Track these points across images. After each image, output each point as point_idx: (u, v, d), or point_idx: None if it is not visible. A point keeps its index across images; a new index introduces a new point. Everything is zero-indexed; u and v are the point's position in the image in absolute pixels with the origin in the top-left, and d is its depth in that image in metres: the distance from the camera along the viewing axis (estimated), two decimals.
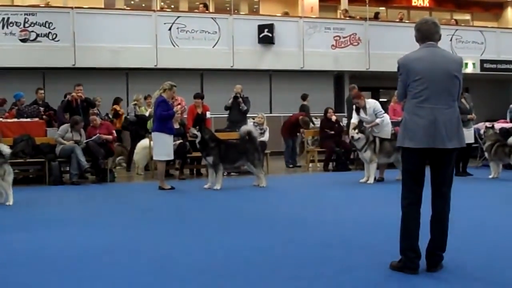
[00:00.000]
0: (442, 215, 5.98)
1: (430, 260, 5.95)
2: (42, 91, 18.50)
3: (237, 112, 17.66)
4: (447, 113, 5.93)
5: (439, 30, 6.24)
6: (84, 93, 16.33)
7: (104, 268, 6.36)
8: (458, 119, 6.03)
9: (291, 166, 18.68)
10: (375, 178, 14.18)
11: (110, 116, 19.20)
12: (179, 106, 16.91)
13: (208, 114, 17.11)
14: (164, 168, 13.89)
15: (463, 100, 15.35)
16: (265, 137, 17.04)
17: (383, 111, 14.84)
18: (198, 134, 13.70)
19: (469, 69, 26.22)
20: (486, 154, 15.48)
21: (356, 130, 14.57)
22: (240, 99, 17.71)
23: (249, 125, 14.72)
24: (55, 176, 14.90)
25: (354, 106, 14.96)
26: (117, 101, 19.53)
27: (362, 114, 14.62)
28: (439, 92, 5.94)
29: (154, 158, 13.95)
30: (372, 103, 14.76)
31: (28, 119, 16.58)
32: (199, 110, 16.81)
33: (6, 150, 11.53)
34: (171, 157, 13.98)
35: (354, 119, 14.76)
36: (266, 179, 13.91)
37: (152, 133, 13.78)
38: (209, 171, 13.79)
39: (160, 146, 13.40)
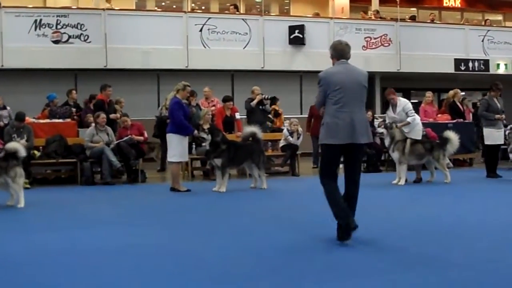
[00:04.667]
0: (354, 197, 7.59)
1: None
2: (75, 92, 18.66)
3: (259, 113, 17.59)
4: (360, 115, 7.50)
5: (350, 50, 7.82)
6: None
7: (135, 267, 6.40)
8: (367, 119, 7.80)
9: (315, 166, 18.58)
10: (406, 180, 14.12)
11: None
12: (213, 108, 16.95)
13: (237, 116, 17.11)
14: (178, 169, 13.73)
15: (495, 99, 15.25)
16: (299, 141, 17.08)
17: (413, 111, 14.72)
18: (208, 137, 13.49)
19: (501, 70, 25.98)
20: (511, 156, 15.48)
21: (382, 126, 14.67)
22: (265, 100, 17.62)
23: (253, 127, 14.53)
24: (87, 176, 15.01)
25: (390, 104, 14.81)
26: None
27: (391, 113, 14.55)
28: (353, 98, 7.49)
29: (168, 159, 13.72)
30: (403, 102, 14.64)
31: (60, 120, 16.73)
32: (228, 113, 16.82)
33: (22, 154, 11.52)
34: (185, 159, 13.95)
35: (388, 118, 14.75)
36: (266, 182, 13.84)
37: (167, 134, 13.51)
38: (217, 173, 13.55)
39: (174, 147, 13.25)
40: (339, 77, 7.53)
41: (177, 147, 13.22)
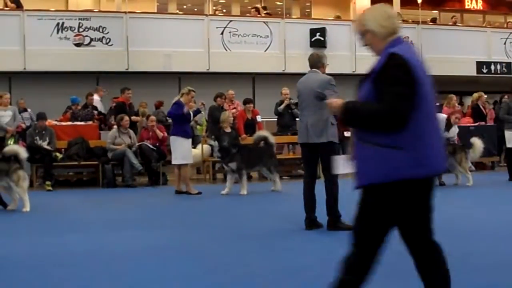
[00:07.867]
0: (329, 190, 8.58)
1: (328, 222, 8.62)
2: (92, 97, 18.72)
3: (288, 116, 17.60)
4: (314, 118, 8.55)
5: (322, 60, 8.94)
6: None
7: (158, 269, 6.43)
8: (326, 121, 8.49)
9: None
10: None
11: None
12: (233, 110, 16.96)
13: (259, 118, 17.12)
14: (186, 172, 13.72)
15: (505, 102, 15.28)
16: None
17: None
18: (215, 143, 13.64)
19: None
20: None
21: None
22: (293, 105, 17.60)
23: (265, 132, 14.59)
24: (109, 178, 15.10)
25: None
26: None
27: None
28: (307, 104, 8.74)
29: (172, 162, 13.80)
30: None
31: (82, 122, 16.80)
32: (249, 115, 16.84)
33: (24, 154, 11.33)
34: (189, 161, 13.93)
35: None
36: (280, 184, 13.86)
37: (170, 137, 13.83)
38: (228, 177, 13.60)
39: (176, 149, 13.44)
40: (300, 85, 8.98)
41: (178, 150, 13.43)
